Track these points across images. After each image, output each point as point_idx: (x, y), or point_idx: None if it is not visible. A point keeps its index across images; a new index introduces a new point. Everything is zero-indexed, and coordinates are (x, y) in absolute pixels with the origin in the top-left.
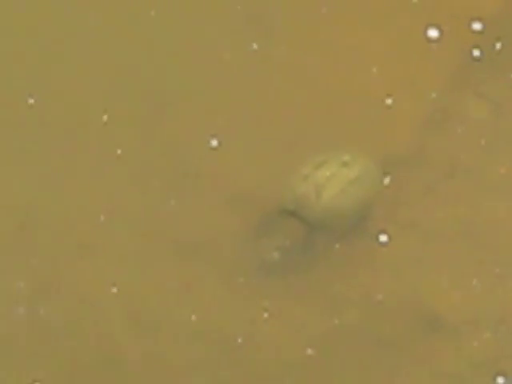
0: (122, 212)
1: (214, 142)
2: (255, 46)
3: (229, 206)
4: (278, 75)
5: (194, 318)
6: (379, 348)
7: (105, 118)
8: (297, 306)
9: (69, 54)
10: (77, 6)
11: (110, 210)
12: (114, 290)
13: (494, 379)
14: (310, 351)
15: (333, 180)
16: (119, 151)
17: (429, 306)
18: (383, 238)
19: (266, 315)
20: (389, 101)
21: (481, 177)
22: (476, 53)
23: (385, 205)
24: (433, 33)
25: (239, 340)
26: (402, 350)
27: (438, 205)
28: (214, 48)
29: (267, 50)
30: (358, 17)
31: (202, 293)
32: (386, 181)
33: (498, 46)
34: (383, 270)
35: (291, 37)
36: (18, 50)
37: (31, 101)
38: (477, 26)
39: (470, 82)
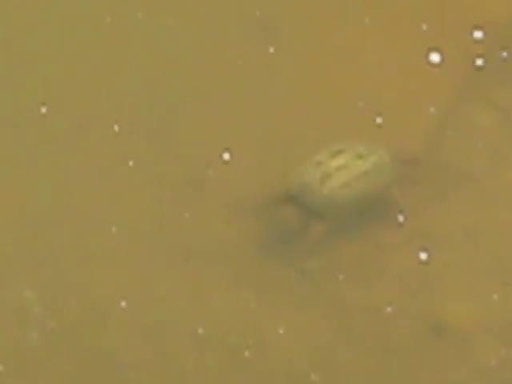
0: (134, 223)
1: (227, 156)
2: (271, 49)
3: (239, 217)
4: (292, 77)
5: (200, 330)
6: (387, 356)
7: (116, 128)
8: (303, 314)
9: (81, 64)
10: (90, 18)
11: (122, 222)
12: (123, 303)
13: None
14: (317, 360)
15: (342, 171)
16: (131, 162)
17: (436, 315)
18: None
19: (273, 325)
20: (396, 109)
21: (489, 185)
22: (479, 62)
23: (391, 212)
24: (434, 56)
25: (246, 353)
26: (410, 358)
27: (446, 213)
28: (226, 56)
29: (279, 56)
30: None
31: (209, 305)
32: (394, 187)
33: (505, 54)
34: (391, 278)
35: (303, 44)
36: (32, 59)
37: (44, 110)
38: (478, 34)
39: (477, 91)
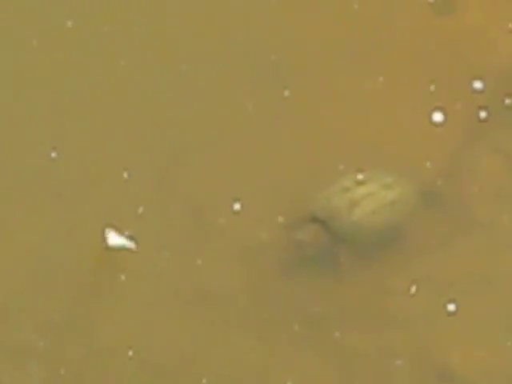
0: (142, 270)
1: (237, 206)
2: (286, 93)
3: (246, 263)
4: (303, 123)
5: (204, 381)
6: None
7: (125, 175)
8: (310, 358)
9: (92, 111)
10: (100, 65)
11: (130, 268)
12: (130, 353)
13: None
14: None
15: (369, 199)
16: (141, 209)
17: (442, 360)
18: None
19: (280, 376)
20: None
21: (496, 231)
22: (483, 114)
23: (400, 257)
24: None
25: None
26: None
27: (453, 258)
28: (238, 101)
29: (293, 100)
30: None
31: (215, 354)
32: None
33: (508, 101)
34: (397, 324)
35: (316, 90)
36: (43, 105)
37: (54, 154)
38: (478, 85)
39: (481, 137)
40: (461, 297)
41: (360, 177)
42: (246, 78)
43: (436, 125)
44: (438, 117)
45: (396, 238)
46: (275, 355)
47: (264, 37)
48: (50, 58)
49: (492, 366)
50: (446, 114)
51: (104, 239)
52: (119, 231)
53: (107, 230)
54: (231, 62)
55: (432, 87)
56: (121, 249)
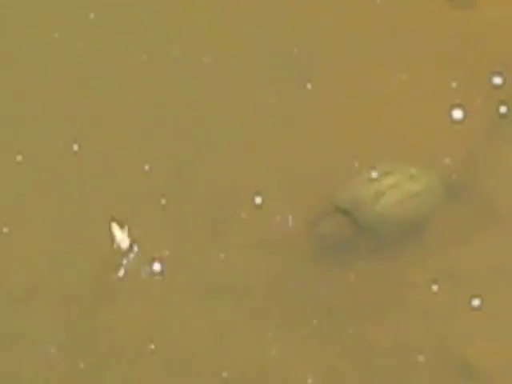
0: (162, 262)
1: (258, 200)
2: (308, 86)
3: (266, 256)
4: (324, 115)
5: (225, 374)
6: None
7: (146, 167)
8: (328, 355)
9: (113, 103)
10: (121, 57)
11: (151, 261)
12: (152, 346)
13: None
14: None
15: (394, 190)
16: (163, 201)
17: (460, 353)
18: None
19: (299, 370)
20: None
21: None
22: (503, 109)
23: (417, 251)
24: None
25: None
26: None
27: (473, 253)
28: (260, 93)
29: (316, 92)
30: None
31: (235, 347)
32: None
33: None
34: (414, 317)
35: (337, 83)
36: (65, 97)
37: (75, 147)
38: (498, 80)
39: (503, 131)
40: (484, 292)
41: (384, 168)
42: (267, 71)
43: (456, 121)
44: (457, 114)
45: (419, 231)
46: (295, 349)
47: (287, 30)
48: (71, 50)
49: (510, 361)
50: (465, 111)
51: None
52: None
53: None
54: (254, 55)
55: (454, 84)
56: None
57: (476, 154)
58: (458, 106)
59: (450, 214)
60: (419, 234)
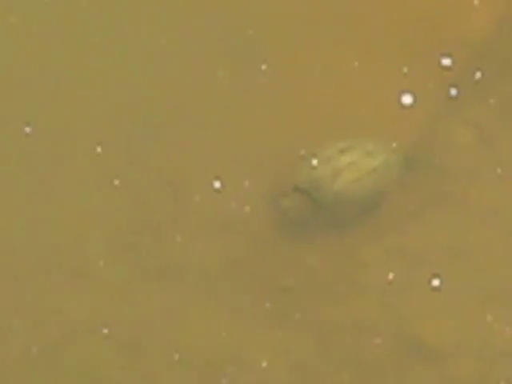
0: (115, 245)
1: (217, 184)
2: (263, 67)
3: (223, 238)
4: (280, 96)
5: (177, 356)
6: (363, 373)
7: (99, 149)
8: (282, 331)
9: (65, 85)
10: (74, 38)
11: (102, 242)
12: (105, 330)
13: None
14: (294, 377)
15: (352, 167)
16: (116, 182)
17: (413, 332)
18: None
19: (252, 351)
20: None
21: (466, 203)
22: (453, 92)
23: (372, 229)
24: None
25: (224, 381)
26: (386, 376)
27: (424, 231)
28: (215, 75)
29: (271, 73)
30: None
31: (188, 329)
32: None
33: (478, 74)
34: (369, 296)
35: (292, 63)
36: (16, 78)
37: (27, 129)
38: (446, 61)
39: (453, 112)
40: (441, 271)
41: (341, 146)
42: (222, 52)
43: (408, 105)
44: (408, 98)
45: (377, 208)
46: (249, 331)
47: (241, 12)
48: (24, 33)
49: (464, 339)
50: (415, 95)
51: None
52: None
53: None
54: (208, 37)
55: (405, 68)
56: None
57: (427, 134)
58: (409, 90)
59: (407, 191)
60: (377, 212)
